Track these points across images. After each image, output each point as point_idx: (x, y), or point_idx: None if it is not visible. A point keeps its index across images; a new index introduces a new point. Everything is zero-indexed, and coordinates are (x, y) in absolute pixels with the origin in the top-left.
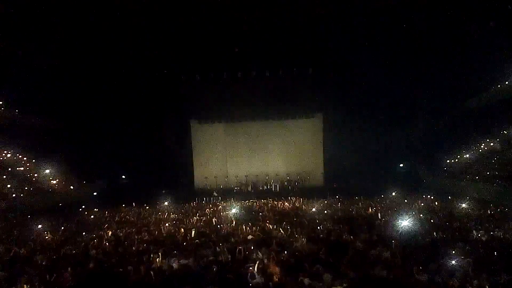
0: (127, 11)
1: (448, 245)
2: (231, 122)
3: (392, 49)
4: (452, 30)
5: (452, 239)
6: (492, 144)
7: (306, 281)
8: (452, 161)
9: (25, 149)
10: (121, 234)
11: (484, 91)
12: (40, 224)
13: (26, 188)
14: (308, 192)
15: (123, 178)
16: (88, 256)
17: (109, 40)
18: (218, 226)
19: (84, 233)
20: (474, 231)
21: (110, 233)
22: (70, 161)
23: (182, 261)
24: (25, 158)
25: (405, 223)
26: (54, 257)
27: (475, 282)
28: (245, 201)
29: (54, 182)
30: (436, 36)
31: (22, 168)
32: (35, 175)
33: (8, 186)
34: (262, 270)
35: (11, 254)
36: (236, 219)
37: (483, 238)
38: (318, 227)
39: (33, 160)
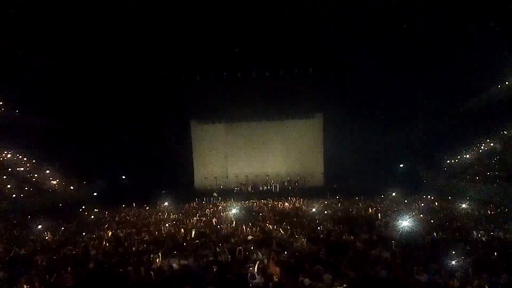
0: (127, 11)
1: (448, 245)
2: (231, 122)
3: (392, 49)
4: (452, 30)
5: (452, 239)
6: (492, 144)
7: (306, 281)
8: (452, 161)
9: (25, 149)
10: (121, 234)
11: (484, 91)
12: (40, 225)
13: (26, 188)
14: (308, 192)
15: (123, 178)
16: (88, 257)
17: (109, 40)
18: (218, 226)
19: (84, 234)
20: (474, 231)
21: (110, 233)
22: (70, 161)
23: (182, 261)
24: (25, 159)
25: (405, 223)
26: (54, 257)
27: (475, 282)
28: (245, 201)
29: (54, 182)
30: (436, 36)
31: (22, 169)
32: (35, 175)
33: (8, 186)
34: (262, 270)
35: (11, 254)
36: (236, 220)
37: (483, 238)
38: (318, 228)
39: (33, 161)
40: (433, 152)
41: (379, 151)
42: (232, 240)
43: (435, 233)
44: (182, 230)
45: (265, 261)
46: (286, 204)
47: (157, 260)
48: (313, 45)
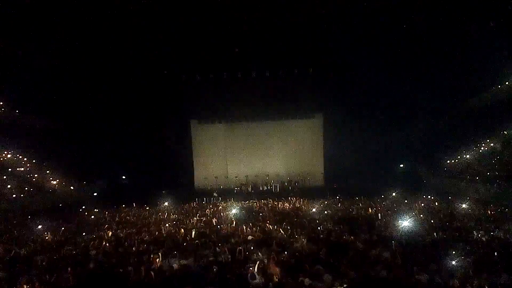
0: (127, 11)
1: (448, 245)
2: (231, 122)
3: (392, 49)
4: (452, 30)
5: (452, 239)
6: (492, 144)
7: (307, 281)
8: (452, 161)
9: (25, 150)
10: (121, 234)
11: (484, 91)
12: (40, 225)
13: (26, 188)
14: (308, 192)
15: (123, 178)
16: (88, 257)
17: (109, 40)
18: (218, 226)
19: (84, 234)
20: (474, 231)
21: (110, 233)
22: (70, 161)
23: (182, 262)
24: (25, 159)
25: (405, 223)
26: (54, 257)
27: (475, 282)
28: (245, 201)
29: (54, 182)
30: (436, 36)
31: (22, 169)
32: (35, 175)
33: (8, 186)
34: (262, 271)
35: (11, 254)
36: (236, 220)
37: (483, 238)
38: (318, 228)
39: (33, 161)
40: (433, 152)
41: (379, 151)
42: (232, 240)
43: (435, 233)
44: (182, 230)
45: (265, 261)
46: (286, 204)
47: (157, 260)
48: (313, 45)
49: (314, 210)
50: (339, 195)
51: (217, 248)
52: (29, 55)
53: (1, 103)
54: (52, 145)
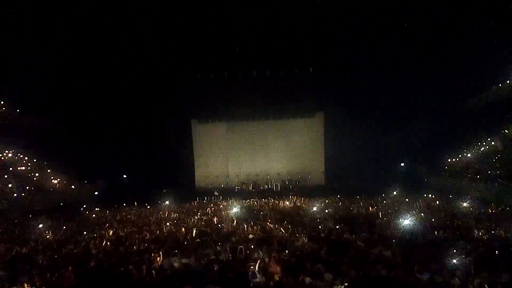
0: (128, 11)
1: (449, 244)
2: (232, 121)
3: (393, 49)
4: (452, 30)
5: (453, 238)
6: (492, 143)
7: (307, 280)
8: (453, 160)
9: (26, 149)
10: (122, 233)
11: (484, 91)
12: (41, 224)
13: (27, 187)
14: (309, 191)
15: (124, 177)
16: (89, 256)
17: (109, 40)
18: (219, 225)
19: (85, 233)
20: (475, 230)
21: (111, 232)
22: (71, 161)
23: (183, 260)
24: (26, 158)
25: (406, 222)
26: (55, 256)
27: (476, 281)
28: (246, 200)
29: (55, 181)
30: (437, 36)
31: (23, 168)
32: (36, 174)
33: (10, 185)
34: (263, 269)
35: (13, 253)
36: (237, 219)
37: (484, 237)
38: (319, 226)
39: (34, 160)
40: (433, 151)
41: (379, 150)
42: (233, 239)
43: (436, 232)
44: (183, 229)
45: (266, 260)
46: (287, 203)
47: (158, 259)
48: (313, 45)
49: (314, 209)
50: (339, 194)
51: (218, 247)
52: (29, 55)
53: (2, 102)
54: (53, 144)
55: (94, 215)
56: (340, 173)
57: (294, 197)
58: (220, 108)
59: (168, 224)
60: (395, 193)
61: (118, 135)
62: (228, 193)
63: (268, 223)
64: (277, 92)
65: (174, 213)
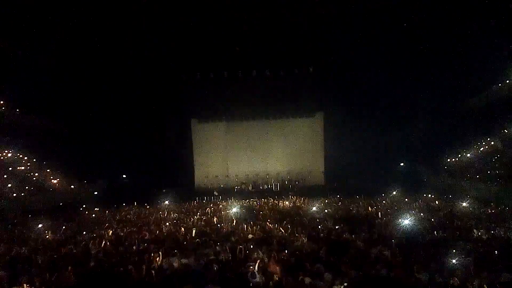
0: (127, 11)
1: (449, 244)
2: (231, 121)
3: (393, 49)
4: (452, 30)
5: (452, 238)
6: (492, 143)
7: (307, 280)
8: (453, 160)
9: (26, 149)
10: (121, 233)
11: (484, 91)
12: (41, 224)
13: (27, 187)
14: (309, 191)
15: (123, 177)
16: (89, 256)
17: (109, 40)
18: (219, 225)
19: (84, 233)
20: (474, 230)
21: (110, 232)
22: (70, 161)
23: (183, 260)
24: (25, 158)
25: (405, 222)
26: (55, 256)
27: (476, 281)
28: (245, 200)
29: (55, 181)
30: (437, 36)
31: (23, 168)
32: (36, 174)
33: (9, 185)
34: (263, 269)
35: (12, 253)
36: (237, 218)
37: (484, 237)
38: (319, 226)
39: (34, 160)
40: (433, 151)
41: (379, 150)
42: (233, 239)
43: (435, 232)
44: (183, 229)
45: (266, 260)
46: (287, 203)
47: (158, 259)
48: (313, 45)
49: (314, 209)
50: (339, 194)
51: (217, 247)
52: (30, 55)
53: (2, 102)
54: (52, 144)
55: (93, 215)
56: (340, 173)
57: (293, 197)
58: (219, 108)
59: (167, 224)
60: (394, 193)
61: (117, 135)
62: (228, 193)
63: (267, 223)
64: (277, 92)
65: (173, 213)
